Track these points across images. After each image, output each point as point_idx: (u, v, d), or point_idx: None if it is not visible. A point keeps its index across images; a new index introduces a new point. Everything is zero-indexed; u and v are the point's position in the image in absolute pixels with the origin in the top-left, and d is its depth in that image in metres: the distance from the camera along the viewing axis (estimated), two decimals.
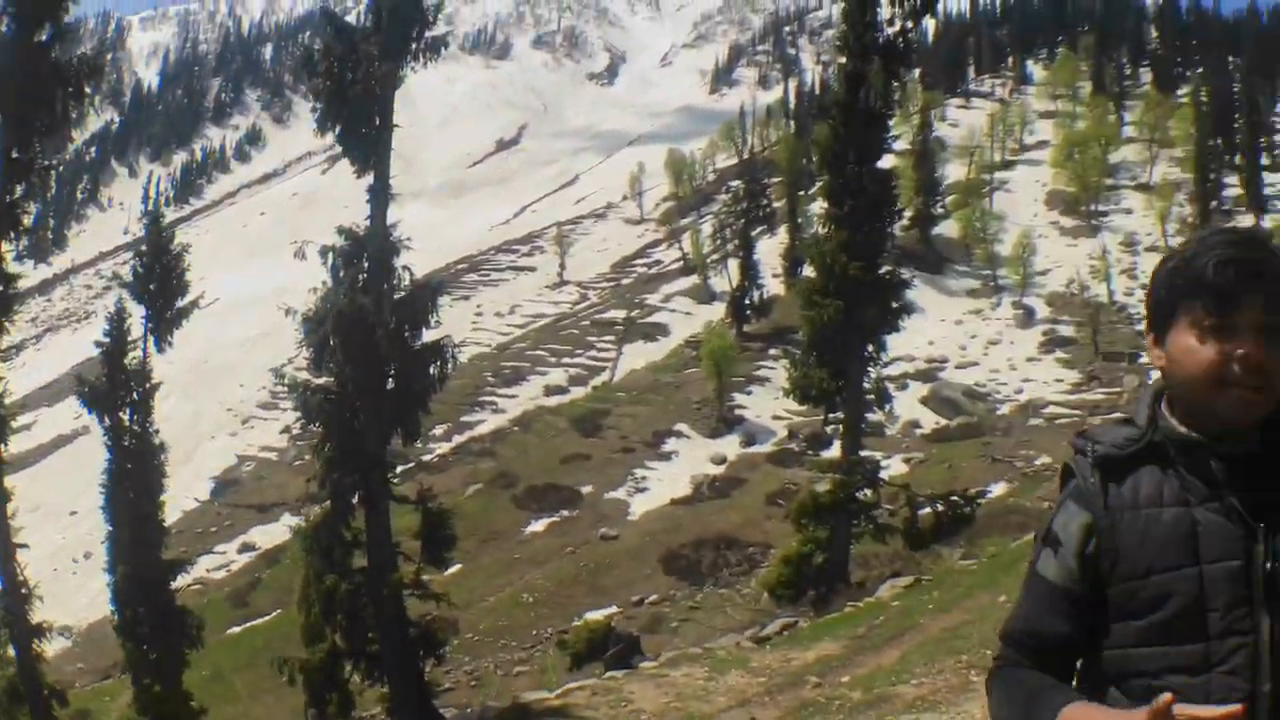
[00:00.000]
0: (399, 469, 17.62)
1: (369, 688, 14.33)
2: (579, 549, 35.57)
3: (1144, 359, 56.08)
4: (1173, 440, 1.46)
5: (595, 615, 26.77)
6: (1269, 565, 1.35)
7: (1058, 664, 1.53)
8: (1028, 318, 66.02)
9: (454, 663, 23.93)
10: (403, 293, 14.01)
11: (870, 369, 23.64)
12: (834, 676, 7.75)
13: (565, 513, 40.25)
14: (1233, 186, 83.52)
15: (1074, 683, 1.54)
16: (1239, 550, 1.37)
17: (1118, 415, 1.55)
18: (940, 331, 63.46)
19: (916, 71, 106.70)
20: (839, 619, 13.44)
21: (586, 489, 42.20)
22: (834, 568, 21.92)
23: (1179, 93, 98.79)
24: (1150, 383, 1.58)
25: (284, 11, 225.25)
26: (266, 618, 31.54)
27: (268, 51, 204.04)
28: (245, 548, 44.35)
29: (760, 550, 32.51)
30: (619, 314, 71.16)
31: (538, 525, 39.33)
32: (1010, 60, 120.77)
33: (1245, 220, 77.42)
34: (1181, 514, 1.41)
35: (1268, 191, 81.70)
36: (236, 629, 31.83)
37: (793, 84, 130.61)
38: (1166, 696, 1.24)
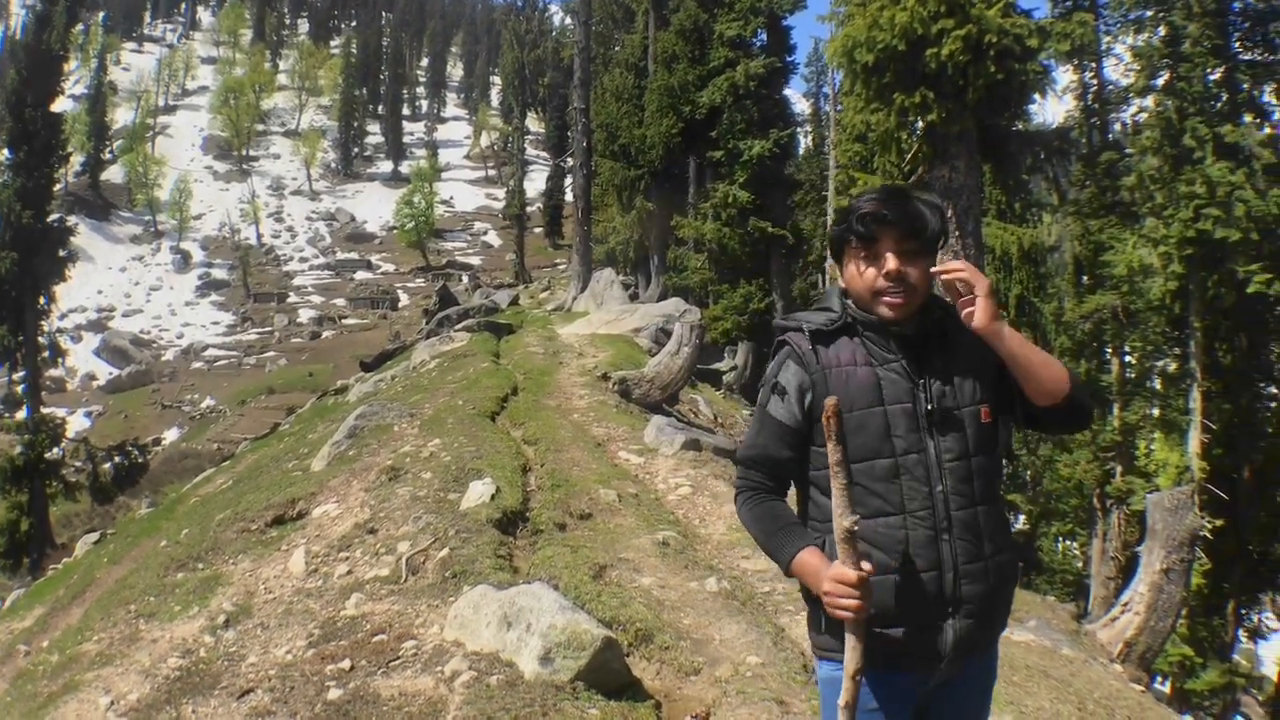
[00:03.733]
0: None
1: None
2: None
3: (292, 298, 63.46)
4: (862, 322, 2.10)
5: None
6: (929, 406, 2.05)
7: (784, 478, 2.14)
8: (185, 262, 67.64)
9: None
10: None
11: (44, 322, 24.21)
12: (38, 642, 7.71)
13: None
14: (375, 134, 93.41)
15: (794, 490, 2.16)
16: (908, 396, 2.04)
17: (815, 305, 2.22)
18: (108, 279, 63.49)
19: (102, 14, 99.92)
20: (46, 583, 13.02)
21: None
22: (39, 531, 22.55)
23: (333, 44, 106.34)
24: (833, 285, 2.23)
25: None
26: None
27: None
28: None
29: None
30: None
31: None
32: (183, 5, 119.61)
33: (385, 165, 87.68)
34: (869, 371, 2.05)
35: (407, 140, 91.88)
36: None
37: (2, 26, 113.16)
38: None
